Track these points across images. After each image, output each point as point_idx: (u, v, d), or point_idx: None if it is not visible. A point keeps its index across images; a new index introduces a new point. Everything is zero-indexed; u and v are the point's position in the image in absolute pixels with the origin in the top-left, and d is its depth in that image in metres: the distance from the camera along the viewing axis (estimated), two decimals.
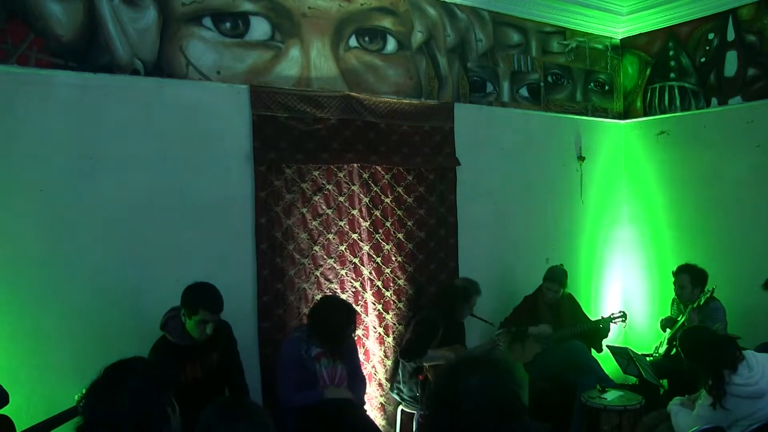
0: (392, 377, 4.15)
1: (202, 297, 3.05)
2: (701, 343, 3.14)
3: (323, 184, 3.97)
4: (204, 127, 3.59)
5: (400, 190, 4.30)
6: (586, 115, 5.41)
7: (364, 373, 3.83)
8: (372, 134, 4.16)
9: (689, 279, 4.37)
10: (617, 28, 5.49)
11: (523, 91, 5.02)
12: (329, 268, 3.99)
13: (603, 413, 3.81)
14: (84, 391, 1.96)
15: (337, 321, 3.42)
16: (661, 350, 4.60)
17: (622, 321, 4.67)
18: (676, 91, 5.25)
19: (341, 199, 4.04)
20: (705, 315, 4.24)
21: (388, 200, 4.24)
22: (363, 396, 3.76)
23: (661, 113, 5.36)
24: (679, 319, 4.48)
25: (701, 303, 4.25)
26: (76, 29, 3.21)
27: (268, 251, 3.76)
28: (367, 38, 4.18)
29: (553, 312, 4.51)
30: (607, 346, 4.50)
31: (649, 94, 5.45)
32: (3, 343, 2.98)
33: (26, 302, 3.05)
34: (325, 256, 3.97)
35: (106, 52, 3.29)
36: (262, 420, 1.79)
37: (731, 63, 4.88)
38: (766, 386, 2.92)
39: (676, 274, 4.46)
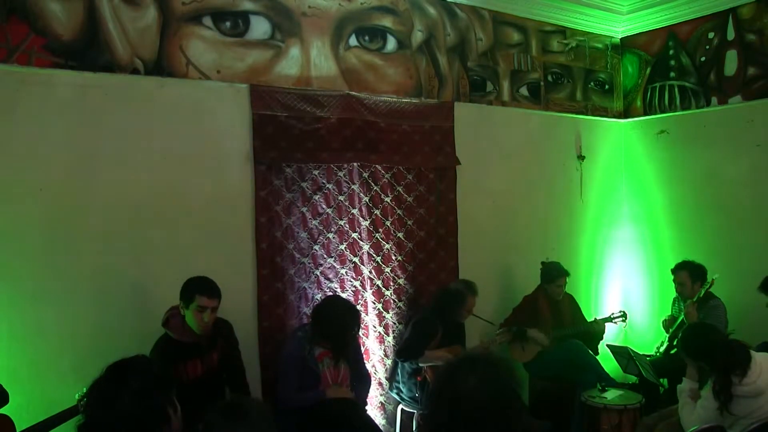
0: (391, 377, 4.15)
1: (196, 284, 3.10)
2: (714, 343, 3.07)
3: (323, 183, 3.97)
4: (204, 126, 3.59)
5: (400, 189, 4.30)
6: (586, 114, 5.40)
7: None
8: (372, 133, 4.16)
9: (688, 275, 4.38)
10: (617, 27, 5.49)
11: (523, 90, 5.02)
12: (329, 268, 3.99)
13: (603, 412, 3.81)
14: (85, 390, 1.96)
15: (341, 322, 3.43)
16: (662, 350, 4.60)
17: (622, 321, 4.68)
18: (676, 90, 5.25)
19: (341, 198, 4.04)
20: (705, 312, 4.24)
21: (388, 199, 4.24)
22: (366, 396, 3.77)
23: (661, 112, 5.36)
24: (679, 317, 4.49)
25: (701, 296, 4.26)
26: (76, 28, 3.20)
27: (268, 250, 3.76)
28: (367, 37, 4.18)
29: (553, 312, 4.52)
30: (607, 346, 4.51)
31: (649, 93, 5.45)
32: (3, 342, 2.98)
33: (26, 301, 3.05)
34: (325, 255, 3.97)
35: (106, 52, 3.29)
36: (265, 421, 1.79)
37: (731, 62, 4.88)
38: (764, 384, 2.92)
39: (674, 271, 4.47)
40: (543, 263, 4.58)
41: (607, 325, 4.66)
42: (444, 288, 4.25)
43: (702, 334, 3.22)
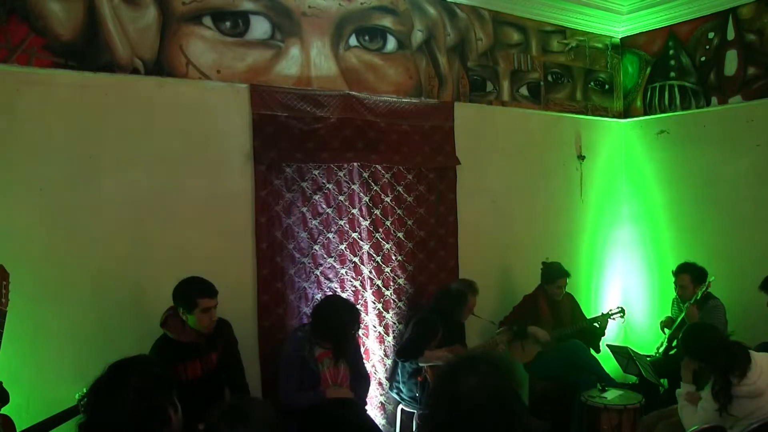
0: (392, 377, 4.15)
1: (194, 287, 3.09)
2: (714, 344, 3.06)
3: (323, 183, 3.97)
4: (204, 126, 3.59)
5: (400, 189, 4.30)
6: (586, 114, 5.40)
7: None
8: (372, 133, 4.16)
9: (690, 279, 4.38)
10: (617, 27, 5.49)
11: (523, 90, 5.01)
12: (329, 267, 3.99)
13: (603, 412, 3.82)
14: (85, 390, 1.96)
15: (341, 321, 3.43)
16: (662, 350, 4.60)
17: (621, 317, 4.67)
18: (676, 90, 5.25)
19: (341, 198, 4.04)
20: (705, 313, 4.24)
21: (388, 199, 4.24)
22: (366, 396, 3.77)
23: (661, 112, 5.36)
24: (677, 318, 4.49)
25: (698, 298, 4.26)
26: (76, 28, 3.20)
27: (267, 250, 3.76)
28: (367, 37, 4.18)
29: (553, 311, 4.52)
30: (607, 345, 4.52)
31: (649, 93, 5.45)
32: (3, 342, 2.97)
33: (26, 302, 3.04)
34: (325, 255, 3.97)
35: (106, 51, 3.28)
36: (267, 422, 1.79)
37: (731, 62, 4.88)
38: (764, 385, 2.92)
39: (676, 273, 4.46)
40: (544, 263, 4.58)
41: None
42: (445, 288, 4.25)
43: (702, 334, 3.22)
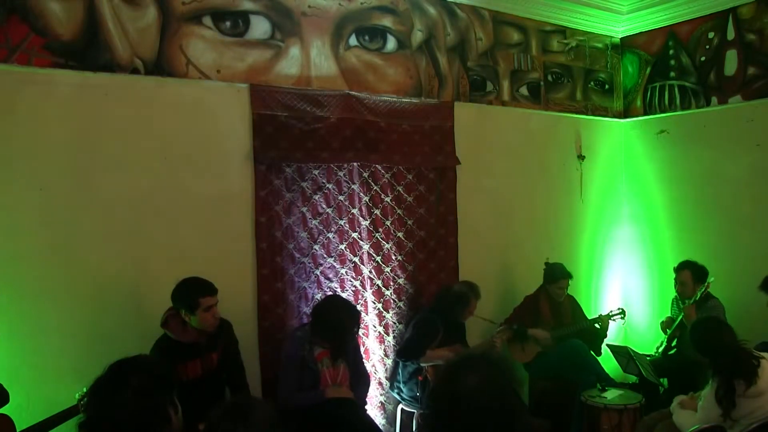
0: (392, 377, 4.15)
1: (195, 287, 3.11)
2: (724, 344, 3.01)
3: (323, 183, 3.97)
4: (204, 126, 3.59)
5: (400, 189, 4.30)
6: (586, 114, 5.40)
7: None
8: (372, 133, 4.16)
9: (691, 276, 4.38)
10: (617, 27, 5.49)
11: (523, 90, 5.01)
12: (329, 267, 3.99)
13: (603, 412, 3.82)
14: (85, 389, 1.96)
15: (341, 321, 3.43)
16: (661, 350, 4.60)
17: (621, 318, 4.67)
18: (676, 90, 5.25)
19: (341, 198, 4.04)
20: (704, 313, 4.23)
21: (388, 199, 4.24)
22: (365, 396, 3.76)
23: (661, 112, 5.36)
24: (677, 318, 4.48)
25: (697, 298, 4.26)
26: (76, 28, 3.20)
27: (267, 250, 3.76)
28: (367, 37, 4.18)
29: (554, 312, 4.52)
30: (607, 345, 4.51)
31: (649, 93, 5.45)
32: (3, 341, 2.98)
33: (26, 301, 3.05)
34: (325, 255, 3.97)
35: (106, 51, 3.28)
36: (267, 422, 1.79)
37: (731, 62, 4.88)
38: (765, 385, 2.91)
39: (677, 270, 4.47)
40: (547, 263, 4.57)
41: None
42: (447, 288, 4.24)
43: (714, 332, 3.14)
